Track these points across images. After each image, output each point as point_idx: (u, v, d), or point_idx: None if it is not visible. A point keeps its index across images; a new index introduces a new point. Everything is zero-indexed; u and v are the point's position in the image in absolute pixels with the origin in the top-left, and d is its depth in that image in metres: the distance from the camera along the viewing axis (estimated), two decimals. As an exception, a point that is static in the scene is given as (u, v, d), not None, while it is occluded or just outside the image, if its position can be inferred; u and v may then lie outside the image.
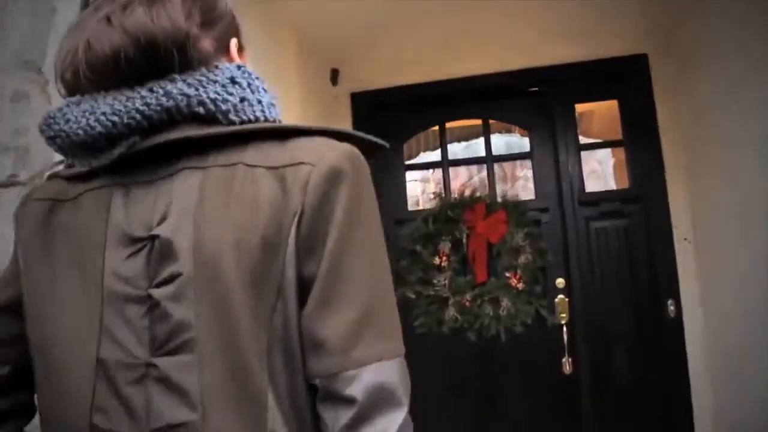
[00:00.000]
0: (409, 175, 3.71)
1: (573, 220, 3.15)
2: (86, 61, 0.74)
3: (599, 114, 3.87)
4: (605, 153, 4.14)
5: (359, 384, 0.67)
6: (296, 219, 0.70)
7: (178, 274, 0.70)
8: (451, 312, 3.13)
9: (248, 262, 0.69)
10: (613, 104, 3.28)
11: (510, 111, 3.36)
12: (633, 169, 3.18)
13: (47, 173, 0.87)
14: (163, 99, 0.73)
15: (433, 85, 3.33)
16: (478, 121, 3.43)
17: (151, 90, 0.74)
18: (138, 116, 0.72)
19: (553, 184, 3.22)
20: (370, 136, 0.81)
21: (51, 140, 0.76)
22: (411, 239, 3.15)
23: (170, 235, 0.71)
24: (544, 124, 3.28)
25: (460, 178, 4.37)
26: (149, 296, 0.71)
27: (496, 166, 3.43)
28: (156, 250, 0.72)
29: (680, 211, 3.02)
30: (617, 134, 3.27)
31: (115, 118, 0.72)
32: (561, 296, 3.14)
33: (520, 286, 3.06)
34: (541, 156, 3.28)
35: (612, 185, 4.07)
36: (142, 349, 0.71)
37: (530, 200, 3.28)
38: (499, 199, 3.21)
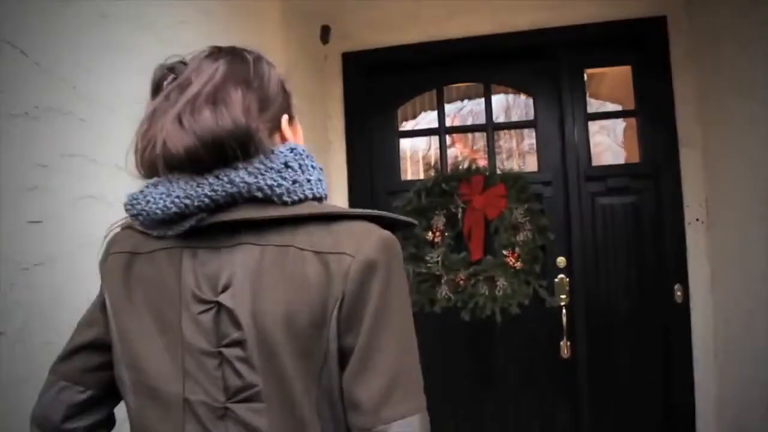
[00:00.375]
0: (404, 143, 3.49)
1: (577, 195, 2.94)
2: (163, 157, 0.88)
3: (611, 76, 3.62)
4: (615, 124, 3.89)
5: None
6: (338, 303, 0.85)
7: (243, 340, 0.86)
8: (444, 290, 2.95)
9: (299, 334, 0.85)
10: (626, 69, 3.04)
11: (513, 75, 3.12)
12: (644, 142, 2.95)
13: (121, 223, 1.00)
14: (228, 186, 0.86)
15: (430, 46, 3.08)
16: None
17: (217, 177, 0.87)
18: (207, 200, 0.86)
19: (558, 156, 3.00)
20: (401, 217, 0.95)
21: (134, 217, 0.92)
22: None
23: (232, 305, 0.87)
24: (550, 89, 3.05)
25: (462, 143, 4.14)
26: (220, 353, 0.88)
27: (497, 134, 3.21)
28: (222, 314, 0.87)
29: (693, 189, 2.81)
30: (629, 102, 3.04)
31: (188, 201, 0.86)
32: (561, 276, 2.95)
33: (518, 265, 2.86)
34: (545, 125, 3.05)
35: (621, 159, 3.83)
36: (219, 394, 0.88)
37: (532, 173, 3.07)
38: (498, 171, 2.99)
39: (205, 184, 0.86)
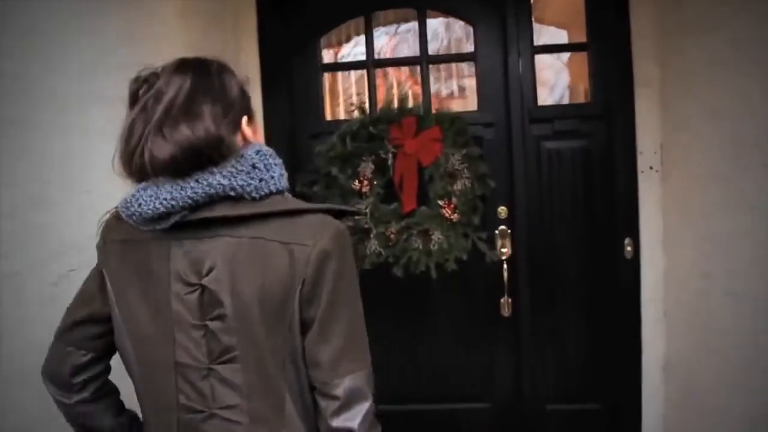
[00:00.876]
0: (329, 78, 3.12)
1: (521, 138, 2.66)
2: (150, 164, 1.03)
3: (561, 2, 3.28)
4: (563, 59, 3.54)
5: (341, 388, 1.07)
6: (301, 283, 1.05)
7: (225, 315, 1.07)
8: (373, 245, 2.66)
9: (269, 308, 1.06)
10: (577, -4, 2.70)
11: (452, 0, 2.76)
12: (596, 80, 2.66)
13: (112, 211, 1.16)
14: (207, 188, 1.03)
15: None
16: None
17: (197, 181, 1.03)
18: (189, 201, 1.03)
19: (500, 95, 2.69)
20: (347, 208, 1.20)
21: (128, 217, 1.08)
22: (326, 159, 2.61)
23: (215, 287, 1.06)
24: (492, 16, 2.70)
25: (399, 78, 3.78)
26: (205, 325, 1.08)
27: (433, 70, 2.86)
28: (206, 294, 1.07)
29: (648, 135, 2.55)
30: (578, 32, 2.72)
31: (174, 202, 1.03)
32: (502, 228, 2.71)
33: (455, 216, 2.57)
34: (486, 58, 2.71)
35: (568, 99, 3.50)
36: (204, 358, 1.09)
37: (471, 113, 2.75)
38: (434, 112, 2.67)
39: (188, 187, 1.02)
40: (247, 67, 2.75)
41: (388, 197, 2.67)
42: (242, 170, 1.06)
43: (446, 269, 2.60)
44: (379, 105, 2.74)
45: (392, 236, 2.64)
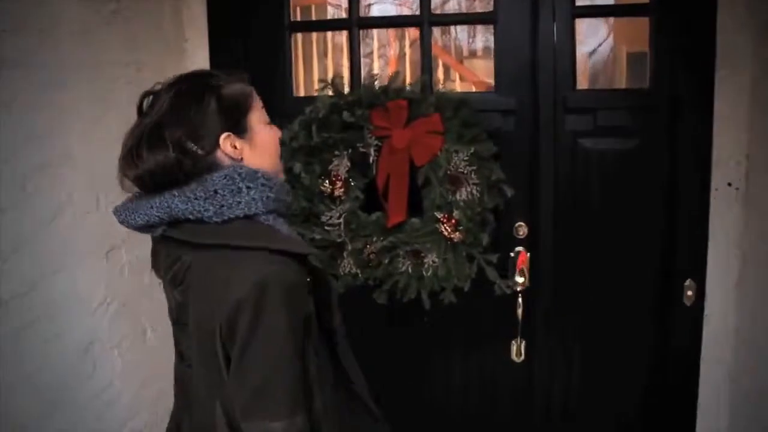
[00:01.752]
0: (304, 42, 2.44)
1: (551, 133, 1.99)
2: (132, 180, 1.13)
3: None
4: (611, 28, 2.70)
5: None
6: (220, 325, 1.06)
7: (188, 324, 1.16)
8: (347, 265, 2.05)
9: (203, 336, 1.10)
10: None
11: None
12: (659, 57, 1.94)
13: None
14: (168, 210, 1.10)
15: None
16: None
17: (159, 202, 1.11)
18: (156, 219, 1.12)
19: (526, 72, 2.01)
20: (296, 249, 1.11)
21: (121, 223, 1.17)
22: (288, 152, 1.96)
23: (182, 298, 1.16)
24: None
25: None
26: (178, 326, 1.23)
27: (437, 33, 2.18)
28: (180, 301, 1.17)
29: (729, 138, 1.87)
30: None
31: (146, 218, 1.12)
32: (520, 250, 2.07)
33: (457, 234, 1.94)
34: (510, 22, 2.01)
35: (620, 82, 2.66)
36: (181, 356, 1.26)
37: (485, 95, 2.08)
38: (436, 92, 2.00)
39: (153, 208, 1.11)
40: (192, 22, 2.12)
41: (370, 204, 2.04)
42: (200, 196, 1.11)
43: (443, 300, 1.99)
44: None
45: (371, 256, 2.03)
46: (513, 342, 2.09)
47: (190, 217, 1.09)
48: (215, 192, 1.10)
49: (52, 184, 1.69)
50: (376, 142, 1.97)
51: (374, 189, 2.02)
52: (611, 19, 2.49)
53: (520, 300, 2.04)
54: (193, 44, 2.15)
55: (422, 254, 1.99)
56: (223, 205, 1.10)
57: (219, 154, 1.14)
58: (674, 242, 1.97)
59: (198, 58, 2.13)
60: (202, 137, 1.12)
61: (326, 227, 2.02)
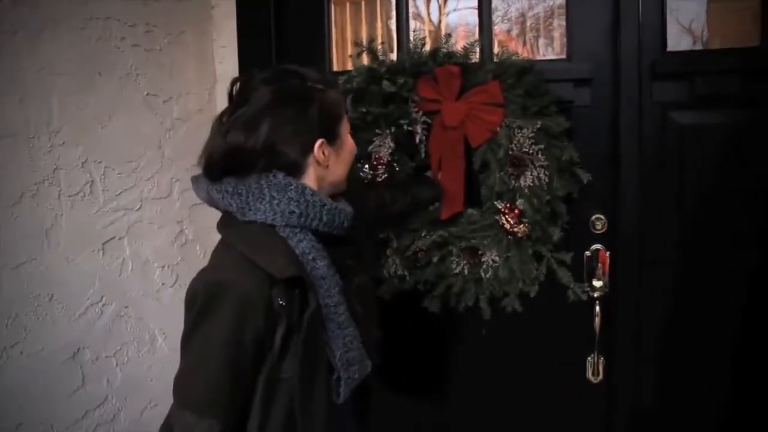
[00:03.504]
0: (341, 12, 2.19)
1: (637, 106, 1.66)
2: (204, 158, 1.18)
3: None
4: None
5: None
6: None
7: None
8: (393, 264, 1.76)
9: None
10: None
11: None
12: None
13: None
14: (206, 195, 1.18)
15: None
16: None
17: (208, 186, 1.17)
18: (205, 198, 1.19)
19: (605, 33, 1.70)
20: (261, 263, 1.06)
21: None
22: None
23: None
24: None
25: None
26: None
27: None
28: None
29: None
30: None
31: (202, 195, 1.19)
32: (598, 248, 1.74)
33: (521, 228, 1.63)
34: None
35: (718, 42, 2.25)
36: None
37: (555, 62, 1.79)
38: (494, 59, 1.71)
39: (203, 188, 1.18)
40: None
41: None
42: (229, 191, 1.13)
43: (505, 308, 1.67)
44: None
45: (421, 254, 1.73)
46: (589, 359, 1.76)
47: (222, 207, 1.16)
48: (241, 192, 1.12)
49: (31, 157, 1.49)
50: (423, 118, 1.68)
51: (422, 173, 1.74)
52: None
53: (597, 308, 1.71)
54: (220, 10, 1.91)
55: (480, 252, 1.69)
56: (244, 207, 1.12)
57: (310, 159, 1.15)
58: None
59: (223, 23, 1.89)
60: (294, 142, 1.13)
61: None
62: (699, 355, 1.74)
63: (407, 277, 1.76)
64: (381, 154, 1.71)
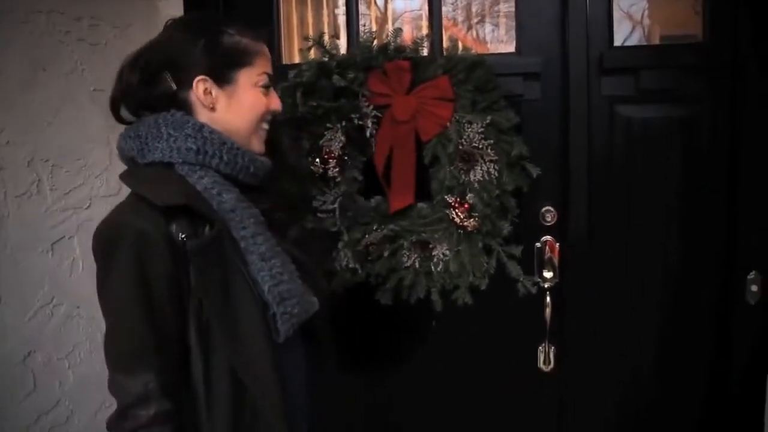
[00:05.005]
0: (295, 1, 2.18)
1: (585, 100, 1.70)
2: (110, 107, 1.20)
3: None
4: None
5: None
6: None
7: None
8: (344, 258, 1.78)
9: None
10: None
11: None
12: (718, 1, 1.64)
13: None
14: (119, 146, 1.16)
15: None
16: None
17: (121, 136, 1.17)
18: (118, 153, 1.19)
19: (554, 27, 1.72)
20: (150, 196, 1.04)
21: None
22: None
23: None
24: None
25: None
26: None
27: None
28: None
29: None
30: None
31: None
32: (548, 239, 1.78)
33: (471, 222, 1.66)
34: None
35: (658, 36, 2.31)
36: None
37: (504, 56, 1.81)
38: (443, 53, 1.72)
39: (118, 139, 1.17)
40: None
41: (371, 187, 1.78)
42: (131, 135, 1.12)
43: (456, 300, 1.71)
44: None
45: (372, 248, 1.75)
46: (540, 348, 1.79)
47: (127, 154, 1.13)
48: (138, 136, 1.11)
49: None
50: (374, 112, 1.69)
51: (373, 169, 1.75)
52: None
53: (548, 299, 1.74)
54: (167, 3, 1.88)
55: (431, 246, 1.71)
56: (143, 148, 1.10)
57: (191, 95, 1.13)
58: (735, 229, 1.66)
59: (169, 9, 1.87)
60: (180, 70, 1.11)
61: (319, 214, 1.76)
62: (647, 343, 1.80)
63: (359, 271, 1.77)
64: (332, 148, 1.71)
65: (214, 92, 1.13)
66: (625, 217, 1.76)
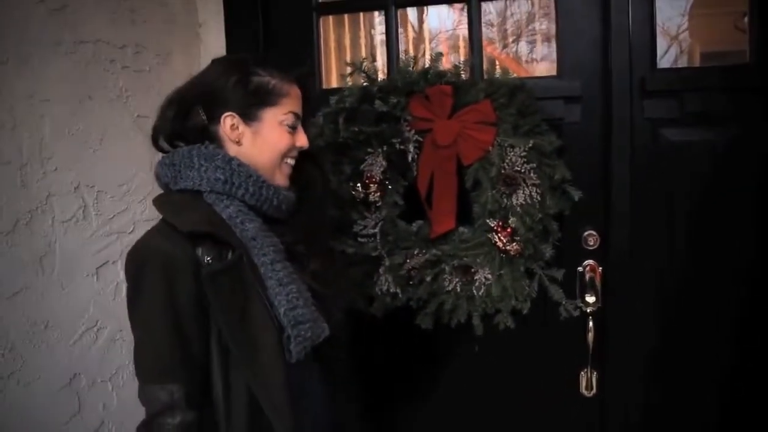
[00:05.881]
0: (332, 26, 2.21)
1: (628, 123, 1.69)
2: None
3: None
4: None
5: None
6: None
7: None
8: (386, 282, 1.77)
9: None
10: None
11: None
12: (763, 17, 1.62)
13: None
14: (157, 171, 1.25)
15: None
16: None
17: (158, 164, 1.26)
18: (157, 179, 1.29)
19: (595, 49, 1.72)
20: (176, 223, 1.11)
21: None
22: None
23: None
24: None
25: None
26: None
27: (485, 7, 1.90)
28: None
29: None
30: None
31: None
32: (590, 262, 1.77)
33: (514, 246, 1.65)
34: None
35: (706, 48, 2.30)
36: None
37: (546, 79, 1.81)
38: (484, 76, 1.73)
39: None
40: (207, 3, 1.91)
41: (412, 211, 1.79)
42: (166, 162, 1.20)
43: (498, 325, 1.70)
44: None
45: (413, 272, 1.75)
46: (582, 373, 1.78)
47: (163, 181, 1.21)
48: (172, 164, 1.19)
49: (24, 184, 1.50)
50: (415, 136, 1.70)
51: (415, 193, 1.75)
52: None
53: (590, 323, 1.72)
54: (208, 29, 1.93)
55: (473, 270, 1.71)
56: (176, 175, 1.18)
57: (219, 130, 1.20)
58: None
59: (212, 40, 1.92)
60: (211, 105, 1.19)
61: (359, 239, 1.77)
62: (692, 370, 1.77)
63: (399, 295, 1.77)
64: (373, 173, 1.73)
65: (240, 128, 1.20)
66: (668, 241, 1.74)
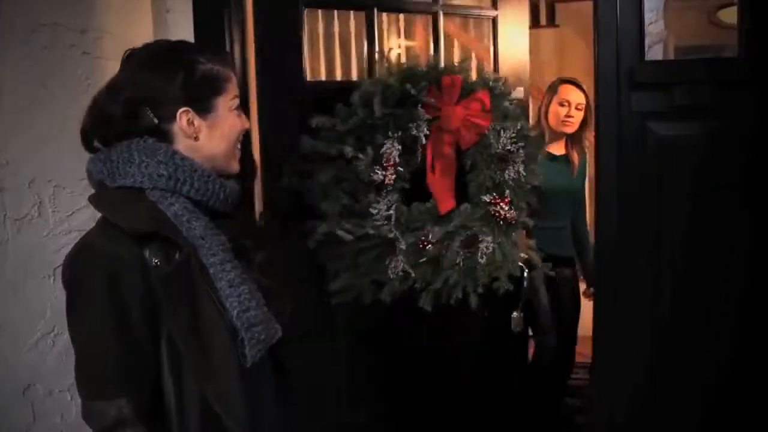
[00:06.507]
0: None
1: (614, 116, 1.69)
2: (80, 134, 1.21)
3: None
4: None
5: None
6: None
7: None
8: (399, 263, 1.82)
9: None
10: None
11: None
12: (751, 16, 1.63)
13: None
14: (88, 168, 1.17)
15: None
16: None
17: (91, 160, 1.17)
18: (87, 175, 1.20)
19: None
20: (120, 222, 1.05)
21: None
22: (337, 135, 1.76)
23: None
24: None
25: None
26: None
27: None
28: None
29: None
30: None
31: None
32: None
33: (512, 212, 1.89)
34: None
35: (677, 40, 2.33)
36: None
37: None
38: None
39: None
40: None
41: (415, 193, 1.90)
42: (101, 158, 1.13)
43: (497, 290, 1.88)
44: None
45: (429, 247, 1.84)
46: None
47: (96, 177, 1.14)
48: (109, 159, 1.12)
49: None
50: (426, 121, 1.82)
51: (421, 175, 1.89)
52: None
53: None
54: (175, 17, 1.85)
55: (479, 239, 1.86)
56: (114, 172, 1.11)
57: (174, 127, 1.14)
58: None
59: (180, 30, 1.82)
60: (160, 106, 1.13)
61: (375, 221, 1.82)
62: (680, 360, 1.77)
63: (411, 274, 1.82)
64: (391, 154, 1.79)
65: (196, 122, 1.15)
66: (655, 233, 1.74)
